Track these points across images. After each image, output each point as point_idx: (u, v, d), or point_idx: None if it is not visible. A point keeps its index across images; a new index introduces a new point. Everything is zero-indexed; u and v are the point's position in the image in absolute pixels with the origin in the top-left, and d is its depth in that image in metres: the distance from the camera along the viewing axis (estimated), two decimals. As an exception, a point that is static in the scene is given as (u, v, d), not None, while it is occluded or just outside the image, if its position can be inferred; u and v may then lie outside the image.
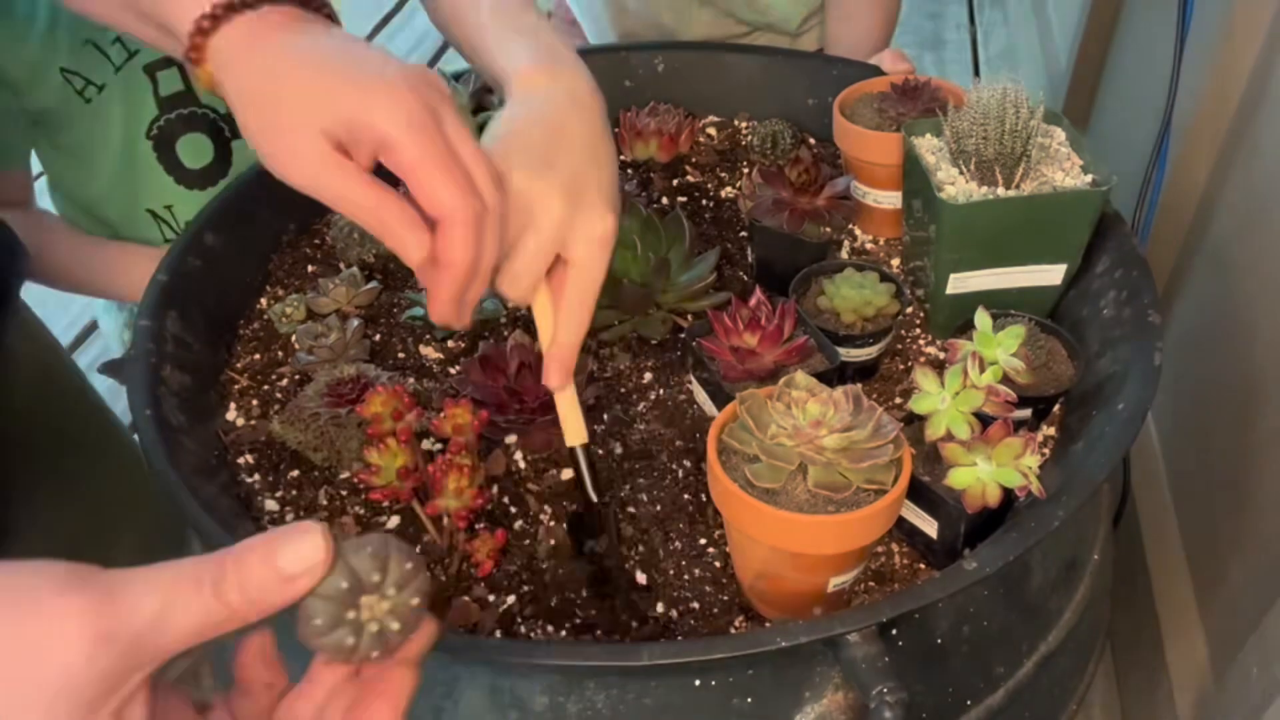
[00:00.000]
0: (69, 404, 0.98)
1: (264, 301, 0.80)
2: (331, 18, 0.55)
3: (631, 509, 0.64)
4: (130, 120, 1.01)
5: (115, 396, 1.65)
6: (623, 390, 0.72)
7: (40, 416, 0.90)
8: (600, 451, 0.67)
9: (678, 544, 0.62)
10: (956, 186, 0.69)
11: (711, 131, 0.97)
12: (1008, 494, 0.54)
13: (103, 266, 1.06)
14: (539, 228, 0.55)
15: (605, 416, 0.69)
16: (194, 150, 1.06)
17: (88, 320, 1.94)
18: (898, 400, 0.70)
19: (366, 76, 0.50)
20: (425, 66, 0.54)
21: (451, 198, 0.50)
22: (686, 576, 0.60)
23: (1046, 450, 0.66)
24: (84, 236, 1.08)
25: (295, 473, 0.66)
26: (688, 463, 0.66)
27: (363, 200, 0.50)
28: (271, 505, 0.64)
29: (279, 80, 0.51)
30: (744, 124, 0.98)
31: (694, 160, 0.93)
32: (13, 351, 0.86)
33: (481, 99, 0.91)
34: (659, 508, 0.64)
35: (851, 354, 0.68)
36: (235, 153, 1.08)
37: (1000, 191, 0.68)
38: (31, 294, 0.96)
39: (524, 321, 0.77)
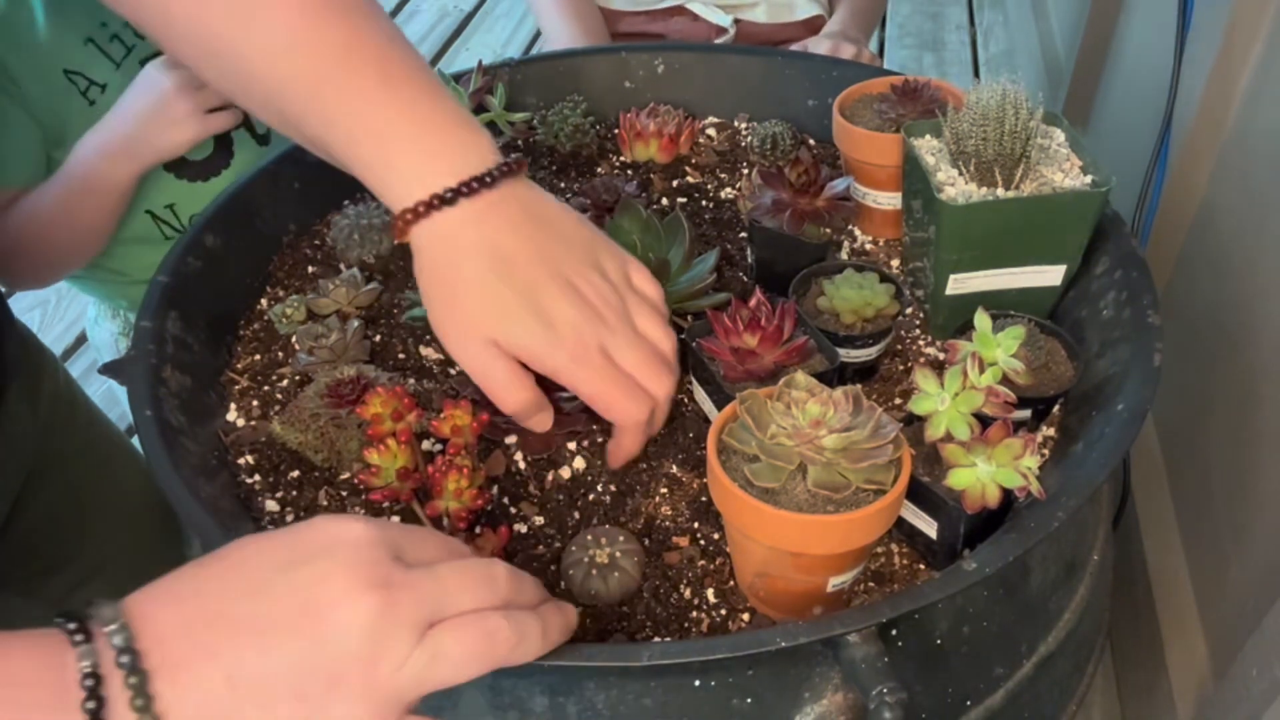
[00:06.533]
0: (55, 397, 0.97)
1: (264, 302, 0.81)
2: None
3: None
4: None
5: (113, 399, 1.65)
6: (623, 391, 0.72)
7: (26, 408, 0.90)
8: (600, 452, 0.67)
9: (678, 544, 0.62)
10: (956, 187, 0.69)
11: (711, 132, 0.97)
12: (1007, 495, 0.54)
13: (87, 172, 0.96)
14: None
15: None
16: None
17: (80, 331, 1.94)
18: (897, 401, 0.70)
19: (534, 313, 0.56)
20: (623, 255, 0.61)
21: (623, 414, 0.58)
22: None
23: (1046, 451, 0.66)
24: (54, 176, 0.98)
25: (295, 473, 0.66)
26: (688, 462, 0.66)
27: (517, 398, 0.58)
28: (272, 506, 0.64)
29: (462, 289, 0.56)
30: (744, 125, 0.98)
31: (694, 161, 0.94)
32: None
33: (483, 100, 0.90)
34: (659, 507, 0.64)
35: (851, 355, 0.68)
36: (236, 141, 1.07)
37: (1000, 193, 0.68)
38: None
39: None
